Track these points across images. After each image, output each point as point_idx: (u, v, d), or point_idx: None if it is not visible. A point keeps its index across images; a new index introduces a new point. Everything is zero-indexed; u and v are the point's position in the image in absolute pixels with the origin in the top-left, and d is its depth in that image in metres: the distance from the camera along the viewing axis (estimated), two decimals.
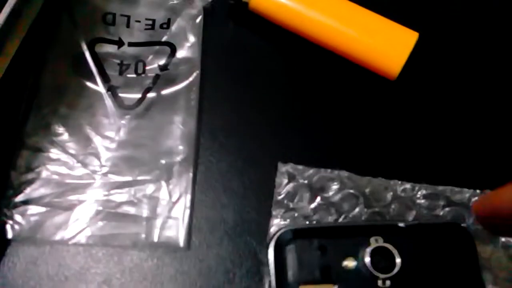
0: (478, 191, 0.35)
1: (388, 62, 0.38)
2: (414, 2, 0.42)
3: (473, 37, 0.41)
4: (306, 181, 0.35)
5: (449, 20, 0.41)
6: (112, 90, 0.37)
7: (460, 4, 0.42)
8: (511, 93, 0.39)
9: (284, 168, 0.35)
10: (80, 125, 0.36)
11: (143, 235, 0.34)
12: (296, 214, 0.34)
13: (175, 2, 0.39)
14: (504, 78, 0.40)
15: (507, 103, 0.39)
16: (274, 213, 0.34)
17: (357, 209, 0.34)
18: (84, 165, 0.35)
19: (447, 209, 0.34)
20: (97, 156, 0.35)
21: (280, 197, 0.34)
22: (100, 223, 0.34)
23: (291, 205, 0.34)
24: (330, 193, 0.34)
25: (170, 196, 0.35)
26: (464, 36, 0.41)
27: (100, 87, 0.37)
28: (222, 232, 0.35)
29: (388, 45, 0.38)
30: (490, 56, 0.40)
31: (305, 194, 0.35)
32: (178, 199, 0.35)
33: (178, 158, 0.36)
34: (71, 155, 0.35)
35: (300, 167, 0.35)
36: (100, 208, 0.34)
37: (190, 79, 0.38)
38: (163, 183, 0.35)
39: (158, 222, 0.34)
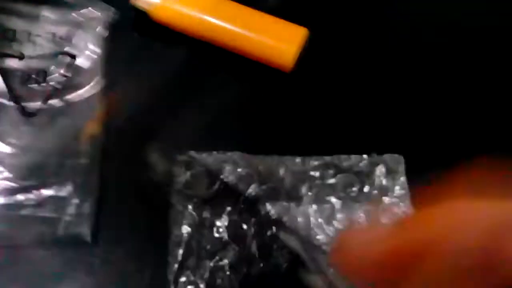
0: (364, 156, 0.37)
1: (281, 56, 0.41)
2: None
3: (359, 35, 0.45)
4: (203, 168, 0.36)
5: (340, 20, 0.45)
6: (15, 100, 0.38)
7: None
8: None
9: (181, 157, 0.36)
10: None
11: (49, 233, 0.35)
12: (195, 200, 0.35)
13: (76, 16, 0.41)
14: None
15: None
16: (173, 201, 0.35)
17: (252, 187, 0.36)
18: None
19: (338, 175, 0.36)
20: (1, 163, 0.36)
21: (179, 186, 0.35)
22: (5, 225, 0.34)
23: (189, 192, 0.35)
24: (226, 175, 0.36)
25: (76, 195, 0.36)
26: (353, 36, 0.44)
27: (2, 99, 0.38)
28: (130, 225, 0.36)
29: (280, 41, 0.41)
30: (373, 52, 0.44)
31: (203, 180, 0.36)
32: (84, 197, 0.36)
33: (83, 160, 0.37)
34: None
35: (195, 153, 0.36)
36: (4, 211, 0.35)
37: (92, 84, 0.40)
38: (68, 184, 0.36)
39: (65, 219, 0.35)
